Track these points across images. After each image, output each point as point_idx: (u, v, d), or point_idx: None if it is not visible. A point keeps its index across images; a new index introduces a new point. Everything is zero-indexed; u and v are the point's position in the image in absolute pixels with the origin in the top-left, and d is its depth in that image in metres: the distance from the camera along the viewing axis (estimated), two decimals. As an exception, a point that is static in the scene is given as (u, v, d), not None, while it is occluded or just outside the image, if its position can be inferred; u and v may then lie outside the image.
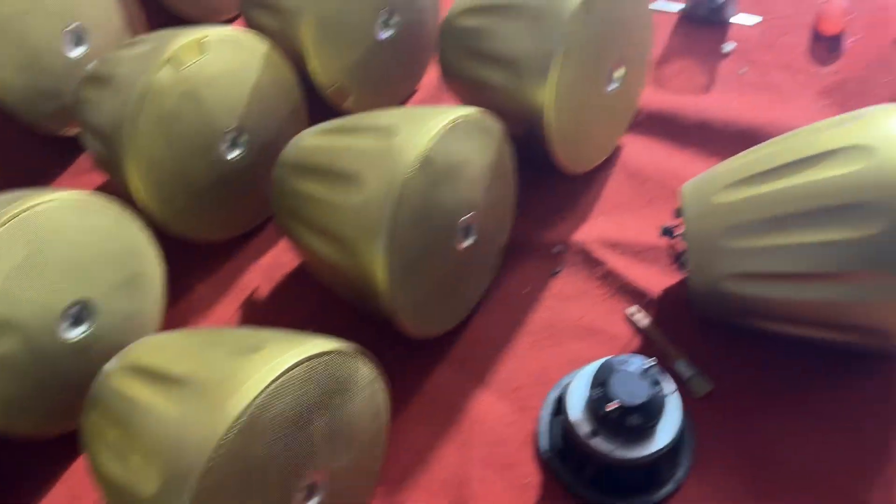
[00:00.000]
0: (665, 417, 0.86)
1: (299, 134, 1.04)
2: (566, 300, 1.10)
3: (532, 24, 1.04)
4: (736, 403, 0.96)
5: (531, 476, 0.93)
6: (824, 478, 0.89)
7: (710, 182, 0.95)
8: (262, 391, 0.69)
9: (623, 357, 0.89)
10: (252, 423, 0.68)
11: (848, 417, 0.93)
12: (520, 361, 1.04)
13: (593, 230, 1.17)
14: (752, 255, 0.87)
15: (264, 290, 1.14)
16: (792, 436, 0.92)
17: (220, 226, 1.17)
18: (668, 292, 1.08)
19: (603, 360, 0.89)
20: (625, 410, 0.84)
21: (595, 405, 0.86)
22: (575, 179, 1.23)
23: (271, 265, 1.17)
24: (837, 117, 0.92)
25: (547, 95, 1.03)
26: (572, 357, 1.03)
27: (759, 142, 1.23)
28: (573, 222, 1.18)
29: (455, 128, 0.91)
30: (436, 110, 0.94)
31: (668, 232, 1.01)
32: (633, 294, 1.09)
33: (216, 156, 1.10)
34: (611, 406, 0.83)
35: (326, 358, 0.75)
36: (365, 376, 0.82)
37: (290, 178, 0.99)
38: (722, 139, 1.26)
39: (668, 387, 0.88)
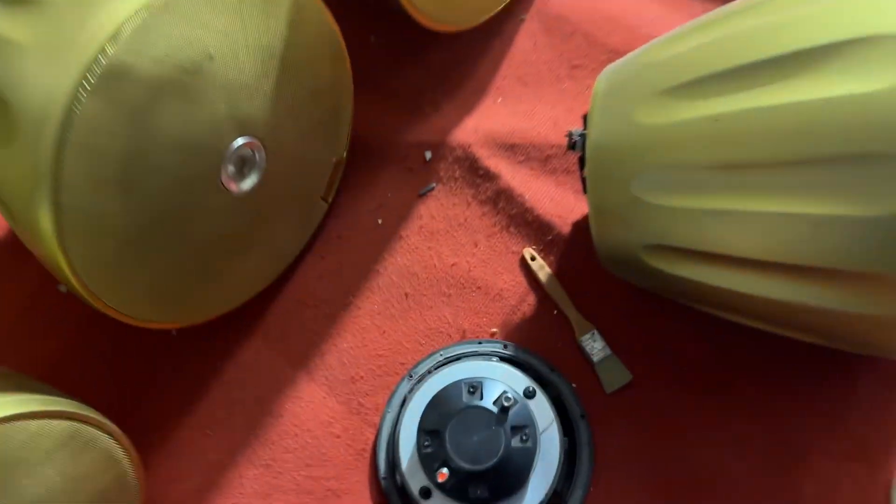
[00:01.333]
0: (537, 465, 0.56)
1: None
2: (436, 237, 0.75)
3: None
4: (655, 405, 0.66)
5: (363, 510, 0.66)
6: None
7: (634, 79, 0.55)
8: None
9: (476, 379, 0.57)
10: None
11: (782, 432, 0.63)
12: (361, 337, 0.72)
13: (484, 123, 0.78)
14: (687, 222, 0.51)
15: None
16: (718, 454, 0.63)
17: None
18: (582, 225, 0.73)
19: (438, 387, 0.57)
20: (466, 476, 0.53)
21: (426, 461, 0.55)
22: (461, 40, 0.82)
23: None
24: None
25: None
26: (437, 327, 0.72)
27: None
28: (454, 112, 0.79)
29: (169, 5, 0.51)
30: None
31: (574, 144, 0.63)
32: (535, 226, 0.74)
33: None
34: (442, 476, 0.53)
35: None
36: (54, 438, 0.52)
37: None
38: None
39: (543, 419, 0.57)
